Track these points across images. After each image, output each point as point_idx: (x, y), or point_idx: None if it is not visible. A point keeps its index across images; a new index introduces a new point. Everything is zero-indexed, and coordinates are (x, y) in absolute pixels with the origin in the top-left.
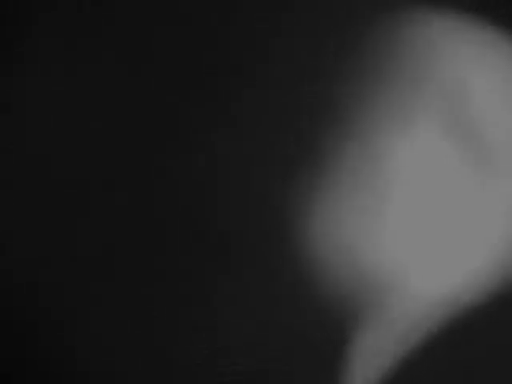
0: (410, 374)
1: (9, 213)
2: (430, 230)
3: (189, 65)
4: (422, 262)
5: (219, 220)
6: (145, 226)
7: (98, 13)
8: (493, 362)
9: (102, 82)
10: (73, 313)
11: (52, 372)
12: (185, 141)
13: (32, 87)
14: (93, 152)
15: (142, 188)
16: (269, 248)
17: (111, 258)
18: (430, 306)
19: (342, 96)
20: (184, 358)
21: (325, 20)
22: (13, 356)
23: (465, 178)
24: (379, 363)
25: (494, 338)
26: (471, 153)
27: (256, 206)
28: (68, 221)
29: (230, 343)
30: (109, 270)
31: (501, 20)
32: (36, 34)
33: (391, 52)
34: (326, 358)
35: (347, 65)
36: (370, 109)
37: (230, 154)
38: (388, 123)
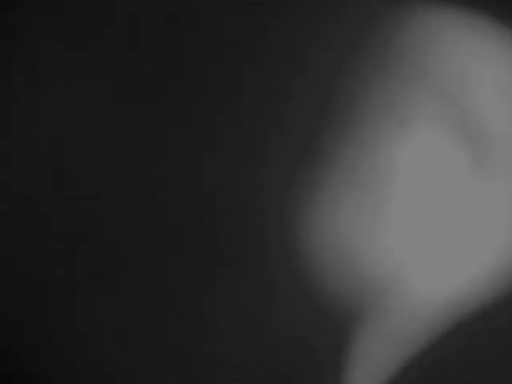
0: (412, 376)
1: (8, 213)
2: (431, 230)
3: (190, 61)
4: (423, 262)
5: (219, 221)
6: (141, 226)
7: (93, 16)
8: (496, 363)
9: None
10: (71, 312)
11: (48, 371)
12: (182, 142)
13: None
14: (92, 150)
15: (141, 190)
16: (267, 249)
17: (109, 257)
18: (432, 308)
19: (342, 95)
20: (181, 361)
21: (325, 19)
22: (12, 355)
23: (466, 176)
24: (380, 366)
25: (497, 339)
26: (472, 150)
27: (255, 207)
28: (65, 221)
29: (230, 344)
30: (106, 271)
31: (501, 15)
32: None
33: (391, 50)
34: (326, 360)
35: (347, 64)
36: (369, 108)
37: (228, 155)
38: (388, 122)
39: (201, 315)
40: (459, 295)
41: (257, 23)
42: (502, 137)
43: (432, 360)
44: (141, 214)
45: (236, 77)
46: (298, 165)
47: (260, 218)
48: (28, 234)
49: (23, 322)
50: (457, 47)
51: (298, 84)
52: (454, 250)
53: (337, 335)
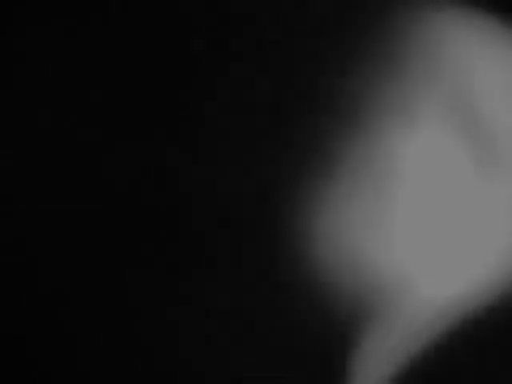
0: (414, 375)
1: (11, 212)
2: (435, 229)
3: (192, 58)
4: (426, 262)
5: (219, 220)
6: (133, 220)
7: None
8: (497, 363)
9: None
10: (72, 313)
11: (51, 372)
12: (188, 138)
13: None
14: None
15: (131, 180)
16: (270, 248)
17: (103, 252)
18: (435, 308)
19: (347, 96)
20: (183, 363)
21: (329, 20)
22: (14, 356)
23: (469, 176)
24: (383, 365)
25: (499, 339)
26: (476, 151)
27: (257, 206)
28: (67, 220)
29: (231, 345)
30: (99, 264)
31: (505, 16)
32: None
33: (396, 51)
34: (330, 360)
35: (353, 65)
36: (374, 109)
37: (231, 153)
38: (393, 123)
39: (202, 316)
40: (462, 295)
41: (261, 26)
42: (505, 137)
43: (435, 360)
44: (140, 215)
45: (238, 74)
46: (301, 165)
47: (262, 219)
48: (27, 227)
49: (23, 321)
50: (461, 48)
51: (302, 85)
52: (458, 250)
53: (340, 335)
